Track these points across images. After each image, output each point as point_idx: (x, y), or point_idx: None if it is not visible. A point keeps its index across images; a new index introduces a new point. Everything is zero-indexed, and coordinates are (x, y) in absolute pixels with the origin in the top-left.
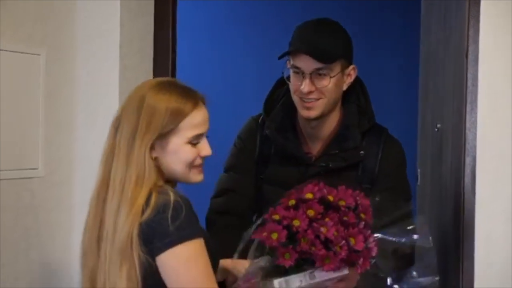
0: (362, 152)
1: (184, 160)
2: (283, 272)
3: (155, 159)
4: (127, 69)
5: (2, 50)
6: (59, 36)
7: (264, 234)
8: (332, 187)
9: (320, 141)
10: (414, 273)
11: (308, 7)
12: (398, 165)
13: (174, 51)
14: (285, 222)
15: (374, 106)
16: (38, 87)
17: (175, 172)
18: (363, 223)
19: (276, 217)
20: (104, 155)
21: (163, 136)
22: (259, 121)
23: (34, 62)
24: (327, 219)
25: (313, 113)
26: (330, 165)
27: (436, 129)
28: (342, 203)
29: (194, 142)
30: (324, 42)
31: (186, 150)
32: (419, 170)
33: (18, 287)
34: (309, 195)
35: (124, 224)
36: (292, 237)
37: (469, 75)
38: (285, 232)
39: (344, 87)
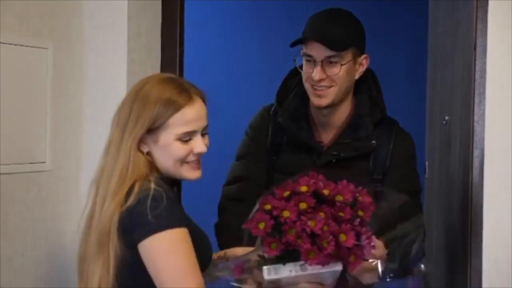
0: (373, 142)
1: (174, 156)
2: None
3: (148, 154)
4: (134, 63)
5: (10, 44)
6: (67, 29)
7: (253, 223)
8: (341, 177)
9: (332, 130)
10: (422, 266)
11: (315, 1)
12: (408, 157)
13: (181, 45)
14: (275, 213)
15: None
16: (45, 81)
17: (166, 168)
18: (358, 220)
19: (268, 207)
20: (105, 147)
21: (153, 131)
22: (271, 111)
23: (42, 56)
24: (321, 213)
25: (324, 101)
26: (342, 154)
27: (444, 122)
28: (339, 198)
29: (185, 139)
30: (335, 30)
31: (176, 146)
32: (427, 162)
33: (26, 280)
34: (303, 188)
35: (105, 213)
36: (280, 228)
37: (477, 68)
38: (271, 222)
39: (356, 76)
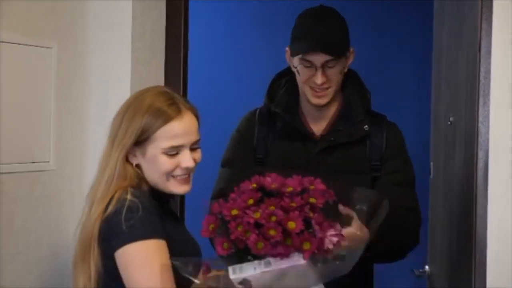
0: (366, 126)
1: (160, 170)
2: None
3: (137, 166)
4: (138, 63)
5: (14, 43)
6: (71, 29)
7: (204, 227)
8: (339, 164)
9: (325, 121)
10: (427, 267)
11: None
12: (401, 147)
13: (186, 45)
14: (224, 212)
15: (386, 99)
16: (49, 80)
17: (154, 181)
18: (308, 206)
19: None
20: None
21: (141, 143)
22: (257, 112)
23: (46, 55)
24: (271, 207)
25: (324, 101)
26: (339, 140)
27: (449, 122)
28: (289, 189)
29: (171, 153)
30: (334, 37)
31: (162, 160)
32: (432, 163)
33: (29, 279)
34: (253, 185)
35: (89, 221)
36: (227, 226)
37: (481, 68)
38: (218, 222)
39: (345, 70)
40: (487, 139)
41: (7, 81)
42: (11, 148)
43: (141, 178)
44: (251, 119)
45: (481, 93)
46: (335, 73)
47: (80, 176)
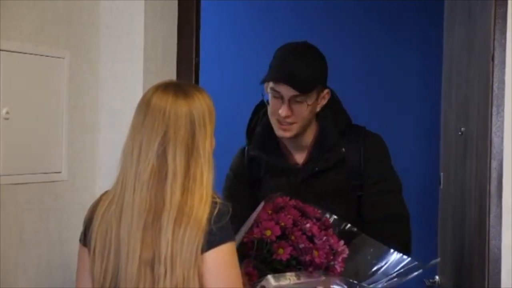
0: (343, 149)
1: None
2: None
3: None
4: (150, 72)
5: (27, 53)
6: (83, 39)
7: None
8: (322, 190)
9: (304, 150)
10: (437, 277)
11: (332, 9)
12: (382, 156)
13: (197, 54)
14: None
15: (396, 108)
16: (62, 90)
17: None
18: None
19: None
20: None
21: None
22: (245, 149)
23: (58, 66)
24: (308, 225)
25: (288, 134)
26: (317, 169)
27: (460, 133)
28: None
29: None
30: (302, 72)
31: None
32: (442, 174)
33: None
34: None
35: None
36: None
37: (495, 79)
38: (278, 227)
39: (318, 109)
40: (501, 150)
41: (20, 91)
42: (23, 159)
43: None
44: (240, 156)
45: (494, 103)
46: (302, 110)
47: (92, 186)
